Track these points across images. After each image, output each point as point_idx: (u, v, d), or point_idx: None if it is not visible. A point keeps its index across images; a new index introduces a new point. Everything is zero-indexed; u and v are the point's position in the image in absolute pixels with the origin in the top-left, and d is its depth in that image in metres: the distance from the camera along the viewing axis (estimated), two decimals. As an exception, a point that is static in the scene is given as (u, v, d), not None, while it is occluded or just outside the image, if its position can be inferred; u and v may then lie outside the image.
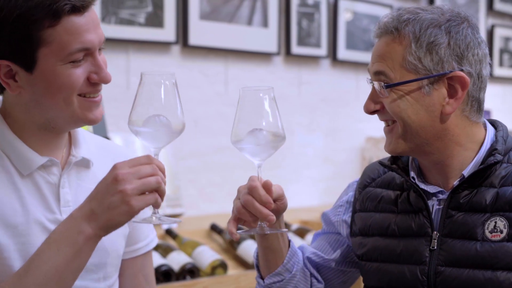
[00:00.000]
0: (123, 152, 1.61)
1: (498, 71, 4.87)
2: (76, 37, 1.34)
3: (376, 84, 1.45)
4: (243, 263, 2.75)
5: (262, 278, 1.60)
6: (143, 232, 1.64)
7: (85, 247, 1.31)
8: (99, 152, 1.56)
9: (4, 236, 1.36)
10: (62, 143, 1.49)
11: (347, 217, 1.65)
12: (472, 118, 1.46)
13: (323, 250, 1.68)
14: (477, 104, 1.46)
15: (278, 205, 1.45)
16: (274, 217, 1.39)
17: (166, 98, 1.35)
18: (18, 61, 1.35)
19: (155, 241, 1.68)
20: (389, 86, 1.42)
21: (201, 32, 3.24)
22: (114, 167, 1.30)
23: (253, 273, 2.62)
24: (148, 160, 1.31)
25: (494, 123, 1.53)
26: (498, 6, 4.83)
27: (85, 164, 1.51)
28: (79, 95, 1.39)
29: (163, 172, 1.32)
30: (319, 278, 1.67)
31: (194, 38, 3.22)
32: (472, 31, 1.44)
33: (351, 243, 1.64)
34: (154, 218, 1.36)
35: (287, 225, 2.99)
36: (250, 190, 1.39)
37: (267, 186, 1.40)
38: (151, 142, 1.37)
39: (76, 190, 1.48)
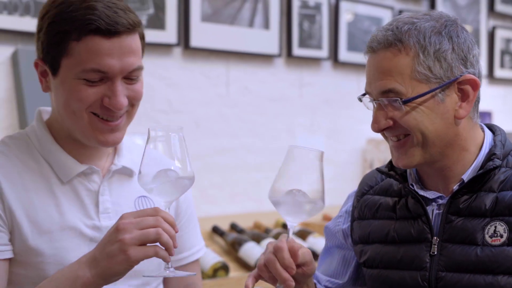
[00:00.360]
0: (167, 162, 1.61)
1: (499, 73, 4.86)
2: (93, 58, 1.37)
3: (384, 101, 1.42)
4: (244, 265, 2.75)
5: None
6: (189, 242, 1.64)
7: None
8: None
9: (39, 241, 1.40)
10: (103, 153, 1.52)
11: (346, 227, 1.65)
12: (473, 119, 1.48)
13: (335, 275, 1.67)
14: (478, 103, 1.48)
15: (304, 270, 1.39)
16: (293, 283, 1.32)
17: (174, 152, 1.34)
18: (47, 63, 1.42)
19: (202, 251, 1.67)
20: (407, 101, 1.39)
21: (203, 34, 3.25)
22: (121, 217, 1.31)
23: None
24: (154, 212, 1.31)
25: (491, 128, 1.54)
26: (499, 7, 4.82)
27: (127, 172, 1.53)
28: (94, 113, 1.41)
29: (173, 225, 1.31)
30: None
31: (196, 40, 3.22)
32: (466, 32, 1.45)
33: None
34: (167, 271, 1.34)
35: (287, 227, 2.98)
36: (275, 250, 1.33)
37: (293, 250, 1.33)
38: (161, 196, 1.36)
39: (118, 198, 1.50)
